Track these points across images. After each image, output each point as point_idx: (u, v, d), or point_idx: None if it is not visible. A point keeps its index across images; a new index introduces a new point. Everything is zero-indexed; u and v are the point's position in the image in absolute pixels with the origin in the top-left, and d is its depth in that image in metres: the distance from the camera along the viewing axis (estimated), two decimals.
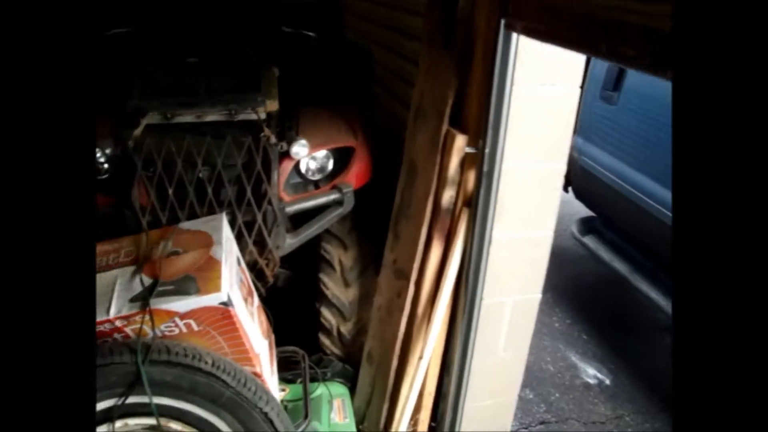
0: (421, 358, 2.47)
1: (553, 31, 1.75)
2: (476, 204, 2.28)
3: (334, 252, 2.82)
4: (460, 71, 2.31)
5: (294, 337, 2.84)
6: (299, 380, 2.74)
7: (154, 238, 2.28)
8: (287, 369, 2.79)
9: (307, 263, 2.94)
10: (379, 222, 2.86)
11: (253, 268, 2.55)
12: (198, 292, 1.98)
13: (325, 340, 2.93)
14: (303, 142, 2.49)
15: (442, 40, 2.38)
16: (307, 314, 2.98)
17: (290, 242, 2.62)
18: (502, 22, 1.99)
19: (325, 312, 2.86)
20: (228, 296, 1.97)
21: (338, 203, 2.67)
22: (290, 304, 2.86)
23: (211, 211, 2.42)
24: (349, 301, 2.83)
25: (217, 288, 1.98)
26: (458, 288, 2.44)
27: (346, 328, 2.88)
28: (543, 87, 2.17)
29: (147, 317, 1.96)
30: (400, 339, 2.59)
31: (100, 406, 1.88)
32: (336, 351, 2.95)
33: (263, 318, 2.47)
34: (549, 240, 2.44)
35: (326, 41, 3.65)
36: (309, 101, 2.93)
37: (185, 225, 2.34)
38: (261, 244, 2.52)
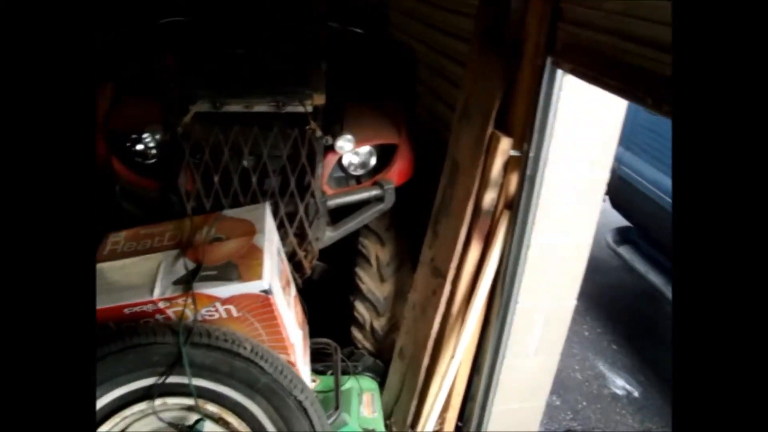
0: (452, 357, 2.48)
1: (599, 77, 1.79)
2: (517, 207, 2.29)
3: (371, 247, 2.84)
4: (507, 74, 2.32)
5: (326, 330, 2.87)
6: (330, 372, 2.77)
7: (198, 223, 2.32)
8: (319, 360, 2.82)
9: (342, 256, 2.97)
10: (416, 219, 2.88)
11: (292, 258, 2.59)
12: (240, 278, 2.02)
13: (357, 334, 2.96)
14: (348, 137, 2.52)
15: (491, 43, 2.39)
16: (340, 307, 3.01)
17: (330, 235, 2.65)
18: (549, 59, 2.03)
19: (359, 306, 2.89)
20: (269, 284, 2.00)
21: (379, 199, 2.70)
22: (324, 297, 2.89)
23: (254, 201, 2.46)
24: (384, 296, 2.86)
25: (258, 276, 2.01)
26: (494, 290, 2.45)
27: (379, 324, 2.90)
28: (590, 94, 2.17)
29: (189, 300, 2.00)
30: (433, 337, 2.60)
31: (141, 383, 1.93)
32: (367, 345, 2.98)
33: (299, 308, 2.50)
34: (587, 248, 2.44)
35: (371, 38, 3.68)
36: (353, 96, 2.96)
37: (229, 212, 2.38)
38: (301, 236, 2.56)
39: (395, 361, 2.84)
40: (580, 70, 1.91)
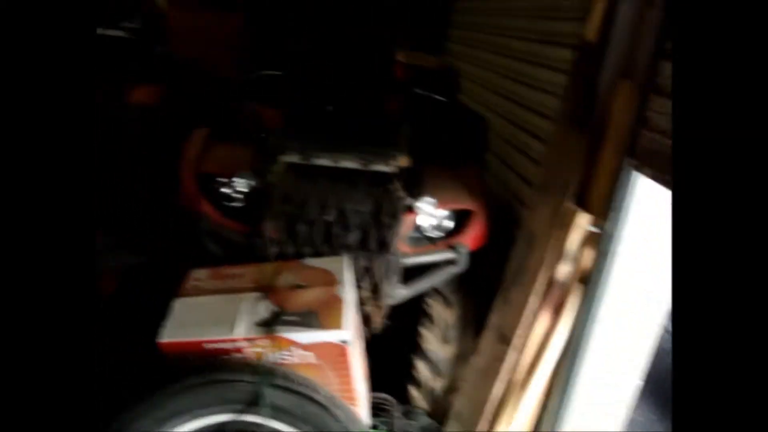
0: (511, 426, 2.49)
1: None
2: (591, 281, 2.32)
3: (437, 308, 2.89)
4: (590, 152, 2.39)
5: (382, 385, 2.89)
6: (386, 428, 2.79)
7: (280, 269, 2.41)
8: (375, 415, 2.84)
9: (404, 314, 3.01)
10: (483, 284, 2.92)
11: (362, 312, 2.65)
12: (321, 326, 2.09)
13: (415, 393, 2.97)
14: (430, 199, 2.61)
15: (575, 123, 2.47)
16: (398, 364, 3.04)
17: (402, 293, 2.71)
18: (630, 162, 2.11)
19: (420, 365, 2.92)
20: (349, 335, 2.07)
21: (453, 262, 2.75)
22: (383, 352, 2.93)
23: (332, 252, 2.54)
24: (446, 357, 2.88)
25: (339, 325, 2.08)
26: (559, 362, 2.46)
27: (438, 384, 2.92)
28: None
29: (269, 342, 2.07)
30: (493, 404, 2.61)
31: (217, 418, 1.99)
32: (423, 405, 2.99)
33: (364, 362, 2.55)
34: (658, 328, 2.45)
35: (449, 106, 3.80)
36: (431, 160, 3.06)
37: (310, 261, 2.46)
38: (375, 291, 2.62)
39: (452, 423, 2.85)
40: (661, 177, 1.97)
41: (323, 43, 4.01)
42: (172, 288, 2.44)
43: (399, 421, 2.83)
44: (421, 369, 2.93)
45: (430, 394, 2.96)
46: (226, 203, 2.67)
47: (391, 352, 3.02)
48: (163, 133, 3.61)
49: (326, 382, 2.15)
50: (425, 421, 2.96)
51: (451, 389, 2.93)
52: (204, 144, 2.89)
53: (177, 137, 3.09)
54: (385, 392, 2.90)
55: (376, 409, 2.86)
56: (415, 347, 2.95)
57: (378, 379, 2.78)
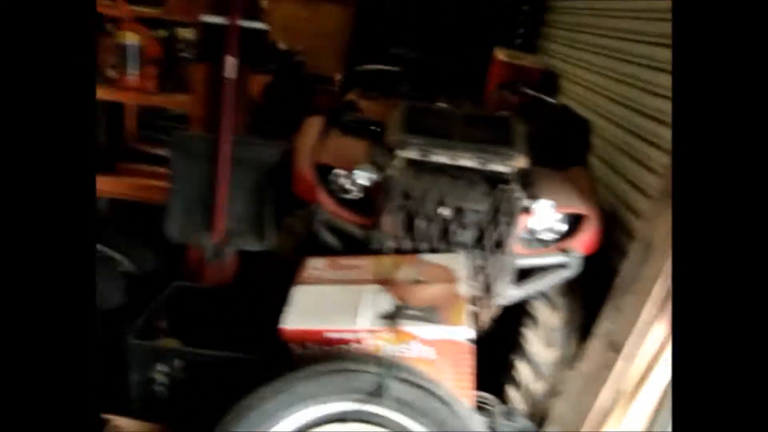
0: None
1: None
2: None
3: (542, 310, 2.87)
4: None
5: (479, 384, 2.89)
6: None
7: (397, 263, 2.44)
8: None
9: (506, 313, 3.00)
10: (589, 289, 2.89)
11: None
12: (443, 322, 2.10)
13: (513, 394, 2.97)
14: (547, 201, 2.59)
15: None
16: (496, 363, 3.04)
17: (513, 294, 2.70)
18: None
19: (521, 366, 2.91)
20: (472, 332, 2.08)
21: (564, 266, 2.73)
22: (482, 350, 2.93)
23: (448, 249, 2.55)
24: (549, 361, 2.87)
25: (462, 322, 2.09)
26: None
27: (538, 387, 2.90)
28: None
29: (391, 335, 2.10)
30: (598, 412, 2.59)
31: (339, 406, 2.02)
32: (521, 406, 2.98)
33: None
34: None
35: (558, 108, 3.77)
36: (539, 161, 3.03)
37: (426, 257, 2.49)
38: (486, 290, 2.63)
39: (551, 427, 2.83)
40: None
41: (430, 40, 4.02)
42: (290, 275, 2.50)
43: (499, 421, 2.83)
44: (522, 371, 2.92)
45: (529, 397, 2.94)
46: (342, 195, 2.72)
47: (492, 351, 3.03)
48: (270, 123, 3.68)
49: (441, 378, 2.18)
50: (524, 423, 2.95)
51: (552, 393, 2.91)
52: (319, 134, 2.94)
53: (284, 127, 3.16)
54: (484, 391, 2.90)
55: (477, 408, 2.87)
56: (516, 348, 2.94)
57: (478, 378, 2.79)
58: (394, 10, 5.95)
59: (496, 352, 3.04)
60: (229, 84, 2.45)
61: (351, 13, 5.99)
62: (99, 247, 2.97)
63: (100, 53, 3.43)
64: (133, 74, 2.96)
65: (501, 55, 4.89)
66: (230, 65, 2.41)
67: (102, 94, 3.12)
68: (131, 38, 2.90)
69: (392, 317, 2.13)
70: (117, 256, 2.97)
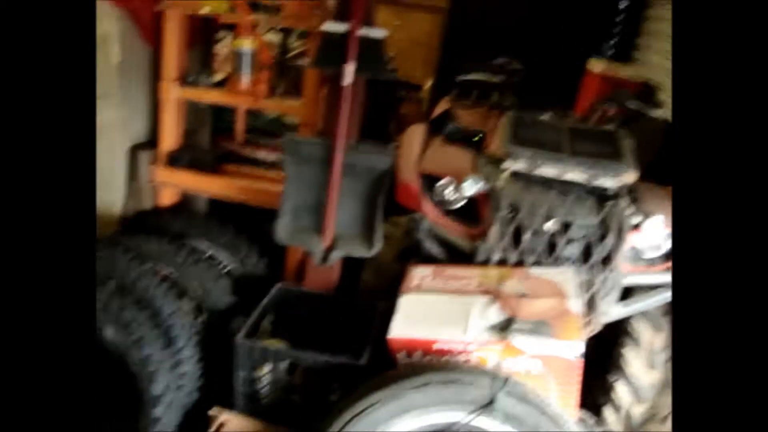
0: None
1: None
2: None
3: (644, 330, 2.79)
4: None
5: None
6: None
7: (504, 275, 2.42)
8: None
9: (604, 331, 2.94)
10: None
11: None
12: (554, 337, 2.08)
13: (610, 416, 2.89)
14: (657, 218, 2.53)
15: None
16: (592, 382, 2.97)
17: (619, 311, 2.65)
18: None
19: (620, 388, 2.83)
20: (583, 349, 2.05)
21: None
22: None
23: (554, 263, 2.52)
24: (650, 383, 2.79)
25: (575, 338, 2.06)
26: None
27: (637, 410, 2.82)
28: None
29: (501, 348, 2.09)
30: None
31: (447, 417, 2.02)
32: (619, 429, 2.91)
33: None
34: None
35: (655, 121, 3.68)
36: (645, 177, 2.97)
37: (534, 270, 2.46)
38: (591, 307, 2.58)
39: None
40: None
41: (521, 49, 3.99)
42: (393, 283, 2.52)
43: None
44: (621, 392, 2.84)
45: (628, 420, 2.87)
46: (446, 205, 2.71)
47: (588, 370, 2.97)
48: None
49: (547, 395, 2.15)
50: None
51: (652, 417, 2.84)
52: (423, 143, 2.95)
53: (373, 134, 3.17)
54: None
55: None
56: (614, 369, 2.87)
57: None
58: (484, 18, 5.92)
59: (592, 371, 2.99)
60: (345, 91, 2.48)
61: (441, 20, 5.99)
62: (204, 246, 3.06)
63: (212, 59, 3.56)
64: (245, 79, 3.04)
65: (597, 66, 4.81)
66: (349, 72, 2.44)
67: (214, 97, 3.22)
68: (246, 44, 2.98)
69: (502, 329, 2.11)
70: (221, 256, 3.05)
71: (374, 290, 2.85)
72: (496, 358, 2.12)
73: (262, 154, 3.64)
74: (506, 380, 1.98)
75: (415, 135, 2.99)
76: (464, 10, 5.99)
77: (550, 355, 2.08)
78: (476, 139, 2.89)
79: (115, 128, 3.17)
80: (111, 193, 3.26)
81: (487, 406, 1.96)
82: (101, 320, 2.39)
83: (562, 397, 2.17)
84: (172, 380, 2.41)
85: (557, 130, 2.79)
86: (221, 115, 3.79)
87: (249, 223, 3.19)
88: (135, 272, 2.55)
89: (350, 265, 2.88)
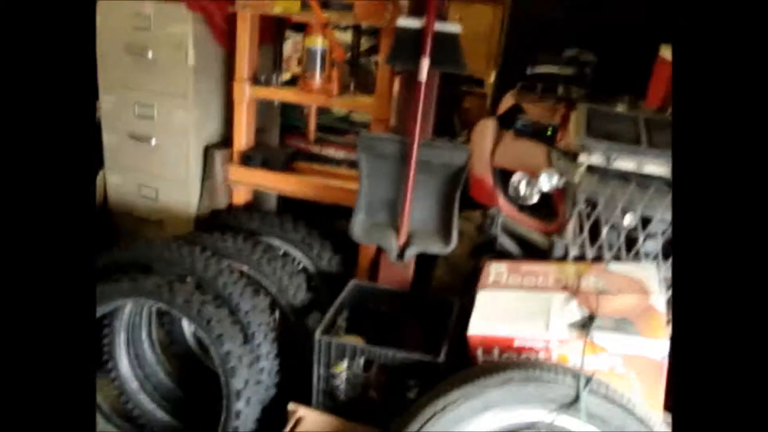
0: None
1: None
2: None
3: None
4: None
5: None
6: None
7: (582, 271, 2.38)
8: None
9: None
10: None
11: None
12: (639, 335, 2.03)
13: None
14: None
15: None
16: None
17: None
18: None
19: None
20: (668, 349, 2.00)
21: None
22: None
23: (632, 259, 2.46)
24: None
25: (660, 337, 2.01)
26: None
27: None
28: None
29: (582, 346, 2.05)
30: None
31: (528, 416, 1.99)
32: None
33: None
34: None
35: None
36: None
37: (612, 267, 2.41)
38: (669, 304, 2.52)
39: None
40: None
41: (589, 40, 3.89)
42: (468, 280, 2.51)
43: None
44: None
45: None
46: (520, 200, 2.69)
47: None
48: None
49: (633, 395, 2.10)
50: None
51: None
52: (495, 137, 2.92)
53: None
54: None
55: None
56: None
57: None
58: (548, 8, 5.80)
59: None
60: (421, 87, 2.47)
61: (503, 12, 5.89)
62: (278, 243, 3.10)
63: (283, 57, 3.59)
64: (317, 77, 3.06)
65: (670, 53, 4.66)
66: (424, 68, 2.43)
67: (286, 96, 3.25)
68: (318, 43, 3.01)
69: (584, 327, 2.08)
70: (295, 253, 3.09)
71: (447, 287, 2.84)
72: (577, 356, 2.09)
73: (331, 152, 3.67)
74: (590, 378, 1.94)
75: (486, 129, 2.97)
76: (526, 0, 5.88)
77: (635, 354, 2.03)
78: (548, 133, 2.84)
79: (190, 129, 3.25)
80: (187, 193, 3.35)
81: (571, 404, 1.93)
82: (180, 315, 2.46)
83: (647, 398, 2.11)
84: (251, 375, 2.45)
85: (633, 121, 2.73)
86: (287, 114, 3.84)
87: (319, 220, 3.22)
88: (213, 270, 2.60)
89: (422, 261, 2.88)
